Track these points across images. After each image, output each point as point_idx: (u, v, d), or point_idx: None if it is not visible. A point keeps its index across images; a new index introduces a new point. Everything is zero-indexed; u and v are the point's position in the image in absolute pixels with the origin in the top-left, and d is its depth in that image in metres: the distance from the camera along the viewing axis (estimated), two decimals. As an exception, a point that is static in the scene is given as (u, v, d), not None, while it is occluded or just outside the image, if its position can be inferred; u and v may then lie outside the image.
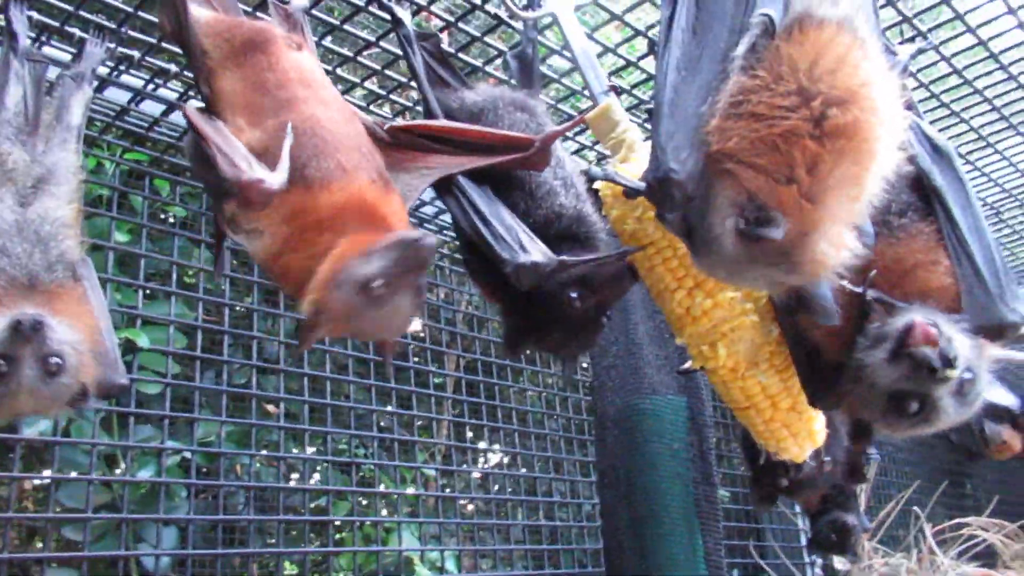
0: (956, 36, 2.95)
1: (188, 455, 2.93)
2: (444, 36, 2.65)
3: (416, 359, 3.68)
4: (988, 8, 2.77)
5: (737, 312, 1.84)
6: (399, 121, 1.96)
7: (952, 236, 1.65)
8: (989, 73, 3.06)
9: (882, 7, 2.58)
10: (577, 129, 2.87)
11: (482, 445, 4.52)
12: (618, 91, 1.95)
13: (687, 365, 2.08)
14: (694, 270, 1.81)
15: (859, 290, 1.57)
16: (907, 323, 1.53)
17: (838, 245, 1.37)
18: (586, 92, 2.24)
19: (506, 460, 4.29)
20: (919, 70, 3.05)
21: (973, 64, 3.02)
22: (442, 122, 1.98)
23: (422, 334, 4.11)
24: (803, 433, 1.97)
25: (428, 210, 3.65)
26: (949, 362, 1.46)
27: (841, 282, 1.51)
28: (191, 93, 2.64)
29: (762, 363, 1.88)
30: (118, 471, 2.99)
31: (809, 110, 1.33)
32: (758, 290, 1.81)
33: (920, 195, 1.71)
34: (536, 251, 1.76)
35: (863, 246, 1.46)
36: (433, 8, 2.45)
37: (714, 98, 1.42)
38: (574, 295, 1.78)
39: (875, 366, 1.56)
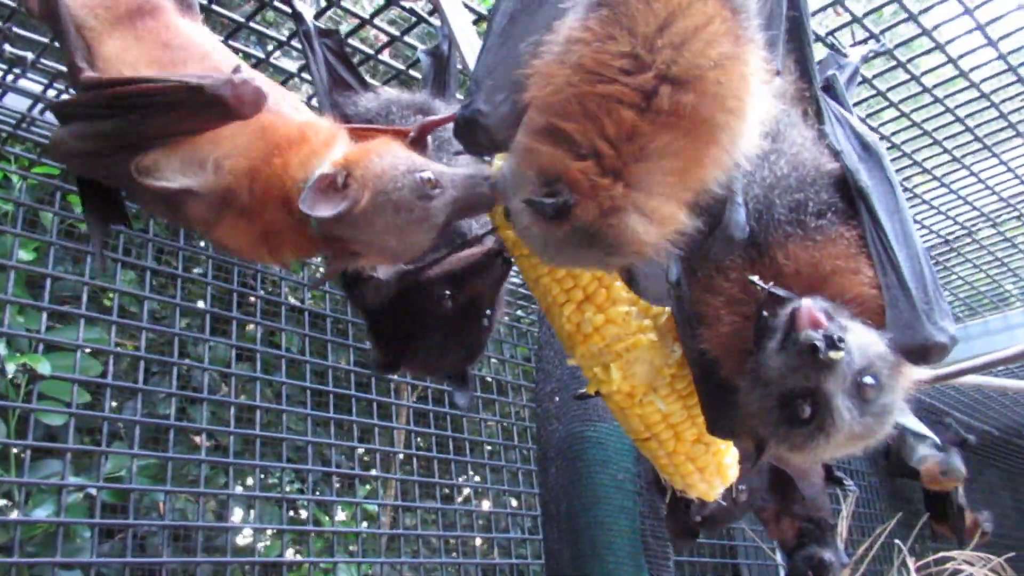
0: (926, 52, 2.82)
1: (92, 492, 2.70)
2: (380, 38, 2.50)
3: (362, 389, 3.48)
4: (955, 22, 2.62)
5: (633, 329, 1.63)
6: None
7: (877, 243, 1.43)
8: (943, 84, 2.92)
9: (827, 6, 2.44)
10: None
11: (435, 480, 4.28)
12: None
13: (583, 390, 1.88)
14: (583, 281, 1.62)
15: (765, 286, 1.36)
16: (794, 307, 1.32)
17: (661, 221, 1.19)
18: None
19: (466, 493, 4.07)
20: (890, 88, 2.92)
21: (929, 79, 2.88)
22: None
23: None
24: (711, 468, 1.74)
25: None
26: (833, 343, 1.24)
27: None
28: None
29: (662, 388, 1.66)
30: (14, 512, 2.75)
31: (638, 81, 1.16)
32: (592, 270, 1.60)
33: (843, 196, 1.49)
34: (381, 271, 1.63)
35: (734, 236, 1.29)
36: (348, 6, 2.29)
37: (543, 39, 1.24)
38: (445, 293, 1.60)
39: (763, 362, 1.34)
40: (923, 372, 1.47)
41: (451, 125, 1.40)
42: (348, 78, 2.06)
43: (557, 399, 2.78)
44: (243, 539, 3.51)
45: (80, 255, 3.01)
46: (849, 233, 1.45)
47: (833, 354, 1.24)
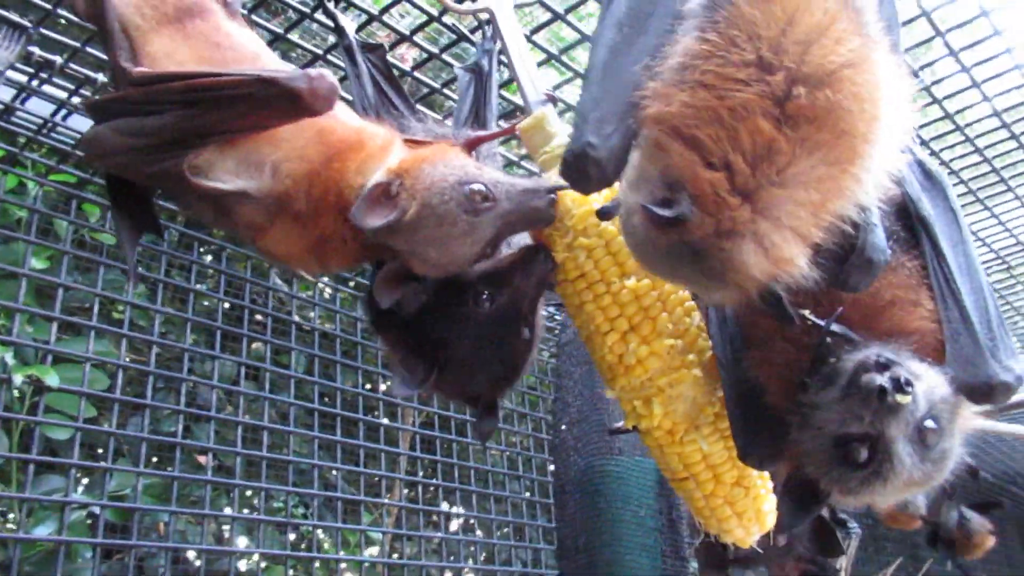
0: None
1: (96, 510, 2.61)
2: (408, 56, 2.46)
3: (370, 412, 3.41)
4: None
5: (677, 364, 1.56)
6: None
7: (939, 274, 1.39)
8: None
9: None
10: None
11: (439, 507, 4.19)
12: (555, 100, 1.72)
13: (620, 424, 1.81)
14: (629, 310, 1.55)
15: (821, 323, 1.32)
16: (865, 355, 1.27)
17: (777, 259, 1.11)
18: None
19: (464, 524, 3.97)
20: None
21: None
22: None
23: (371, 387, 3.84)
24: (749, 513, 1.65)
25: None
26: (900, 386, 1.19)
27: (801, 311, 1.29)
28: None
29: (704, 427, 1.58)
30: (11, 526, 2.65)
31: (769, 85, 1.09)
32: (688, 291, 1.54)
33: (905, 225, 1.45)
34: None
35: (874, 259, 1.22)
36: (389, 22, 2.25)
37: (656, 62, 1.18)
38: (483, 293, 1.51)
39: (824, 407, 1.29)
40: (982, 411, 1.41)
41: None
42: (395, 98, 2.01)
43: (576, 431, 2.73)
44: (243, 564, 3.41)
45: (91, 265, 2.93)
46: (911, 263, 1.41)
47: (900, 397, 1.20)
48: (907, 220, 1.44)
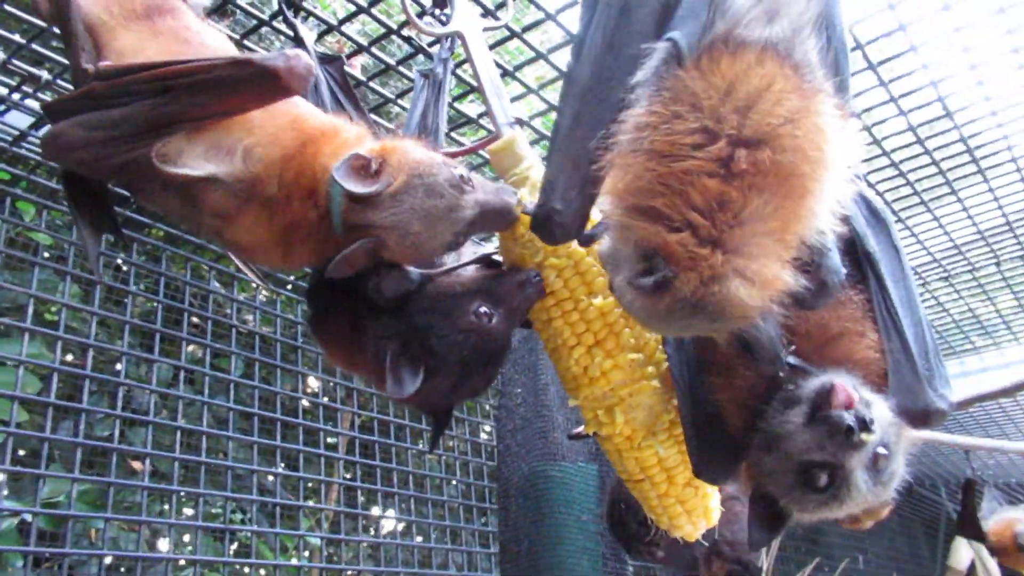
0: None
1: (28, 517, 2.53)
2: (356, 63, 2.47)
3: (307, 416, 3.39)
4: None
5: (637, 376, 1.66)
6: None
7: (883, 307, 1.51)
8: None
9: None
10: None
11: (375, 511, 4.19)
12: (522, 123, 1.78)
13: (579, 429, 1.89)
14: (595, 326, 1.63)
15: (779, 353, 1.41)
16: (823, 384, 1.37)
17: (764, 283, 1.20)
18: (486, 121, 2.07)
19: (400, 528, 3.98)
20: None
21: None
22: None
23: (315, 388, 3.82)
24: (698, 510, 1.79)
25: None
26: (865, 425, 1.30)
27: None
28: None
29: (660, 433, 1.70)
30: (-61, 535, 2.55)
31: (711, 152, 1.18)
32: (703, 335, 1.63)
33: (852, 260, 1.56)
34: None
35: (830, 281, 1.30)
36: (347, 31, 2.26)
37: (611, 132, 1.27)
38: (483, 308, 1.54)
39: (789, 432, 1.38)
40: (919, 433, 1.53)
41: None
42: (350, 109, 2.02)
43: (520, 436, 2.78)
44: (175, 571, 3.34)
45: (24, 265, 2.84)
46: (857, 297, 1.51)
47: (865, 436, 1.31)
48: (854, 255, 1.54)
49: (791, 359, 1.44)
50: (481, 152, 1.95)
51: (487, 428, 4.05)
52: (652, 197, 1.19)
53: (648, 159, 1.20)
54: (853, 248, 1.56)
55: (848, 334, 1.50)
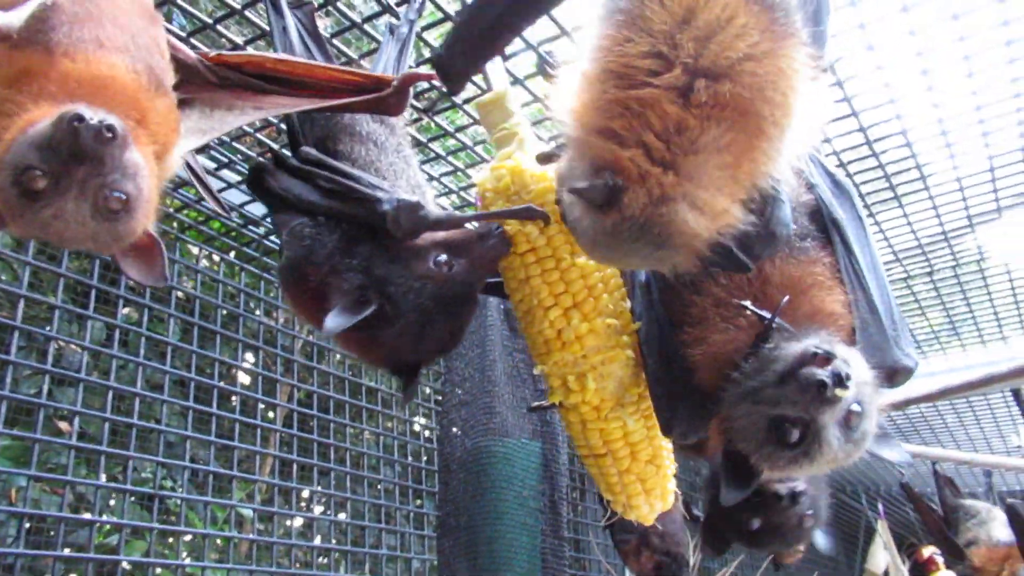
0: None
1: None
2: (320, 20, 2.42)
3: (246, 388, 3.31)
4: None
5: (612, 344, 1.65)
6: (225, 53, 1.69)
7: (850, 269, 1.55)
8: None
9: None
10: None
11: (309, 488, 4.12)
12: (517, 80, 1.77)
13: (541, 402, 1.87)
14: (575, 287, 1.63)
15: (764, 314, 1.43)
16: (804, 347, 1.39)
17: (713, 215, 1.21)
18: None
19: (334, 506, 3.92)
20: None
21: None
22: (279, 56, 1.72)
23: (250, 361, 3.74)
24: (656, 491, 1.78)
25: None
26: (840, 380, 1.32)
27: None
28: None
29: (629, 405, 1.69)
30: None
31: (669, 78, 1.19)
32: (649, 268, 1.62)
33: (818, 226, 1.60)
34: (423, 198, 1.56)
35: (778, 232, 1.32)
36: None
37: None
38: (441, 257, 1.53)
39: (763, 387, 1.40)
40: (890, 396, 1.57)
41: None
42: (319, 58, 1.98)
43: (464, 412, 2.77)
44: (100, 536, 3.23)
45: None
46: (826, 259, 1.55)
47: (840, 391, 1.32)
48: (820, 222, 1.58)
49: (781, 323, 1.45)
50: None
51: (425, 409, 4.03)
52: (610, 118, 1.20)
53: (604, 80, 1.22)
54: (819, 215, 1.60)
55: (819, 287, 1.53)
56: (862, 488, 7.39)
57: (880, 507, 6.50)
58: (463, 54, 1.47)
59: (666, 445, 1.76)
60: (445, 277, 1.54)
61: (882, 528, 6.34)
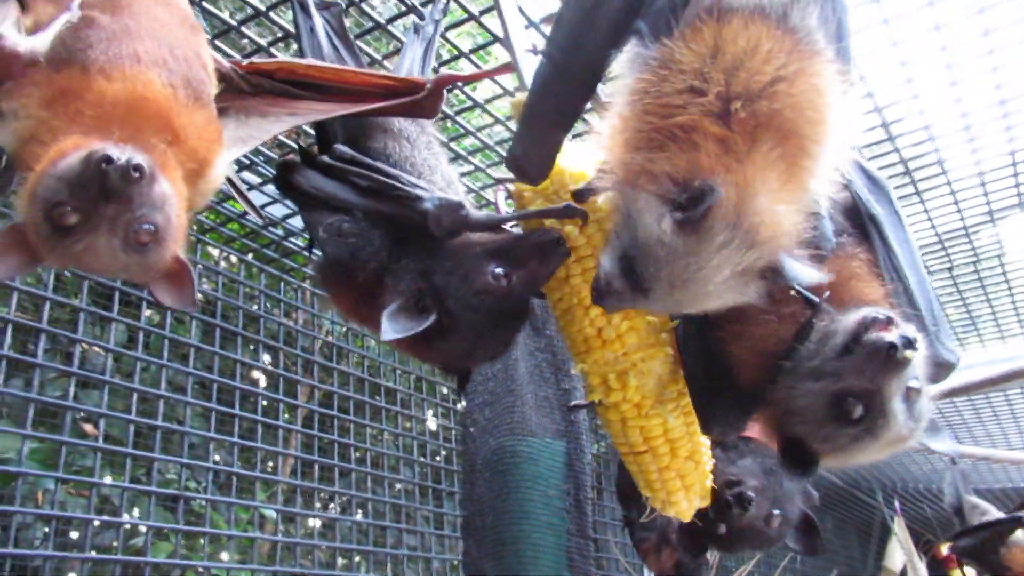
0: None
1: (-25, 473, 2.43)
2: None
3: (267, 388, 3.32)
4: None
5: (652, 341, 1.64)
6: (257, 61, 1.70)
7: (889, 265, 1.54)
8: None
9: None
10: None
11: (329, 488, 4.13)
12: (538, 51, 1.76)
13: (578, 401, 1.86)
14: None
15: (814, 298, 1.41)
16: (865, 315, 1.36)
17: (783, 218, 1.22)
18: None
19: (353, 506, 3.93)
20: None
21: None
22: (310, 62, 1.73)
23: (271, 361, 3.74)
24: (696, 487, 1.76)
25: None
26: (910, 343, 1.28)
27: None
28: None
29: (669, 402, 1.67)
30: None
31: (707, 103, 1.22)
32: (733, 293, 1.59)
33: (854, 223, 1.59)
34: (457, 194, 1.55)
35: (822, 248, 1.32)
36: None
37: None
38: (499, 270, 1.50)
39: (824, 363, 1.37)
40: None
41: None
42: (348, 58, 1.97)
43: (488, 412, 2.77)
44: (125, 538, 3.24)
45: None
46: (864, 255, 1.54)
47: (909, 353, 1.28)
48: (856, 219, 1.56)
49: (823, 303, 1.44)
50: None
51: (443, 409, 4.03)
52: (659, 145, 1.23)
53: (644, 115, 1.25)
54: (855, 212, 1.59)
55: (857, 279, 1.52)
56: (878, 485, 7.36)
57: (896, 504, 6.48)
58: (534, 149, 1.48)
59: (704, 441, 1.75)
60: (504, 292, 1.52)
61: (898, 525, 6.32)
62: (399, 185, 1.58)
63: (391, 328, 1.45)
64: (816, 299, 1.41)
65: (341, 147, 1.71)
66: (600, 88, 1.46)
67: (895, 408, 1.33)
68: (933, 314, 1.54)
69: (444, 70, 2.15)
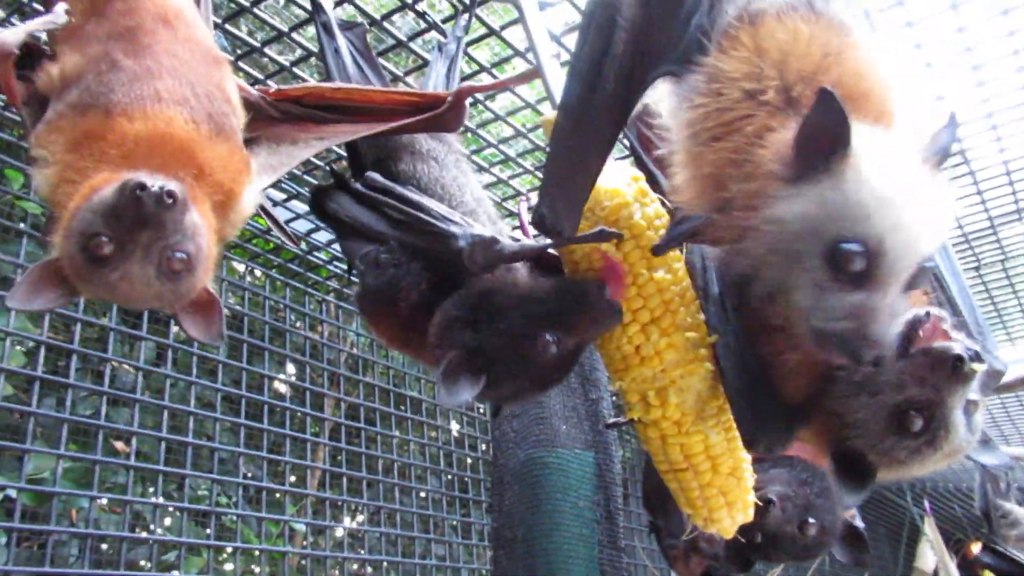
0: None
1: (12, 493, 2.45)
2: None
3: (292, 401, 3.33)
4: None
5: (690, 357, 1.61)
6: (285, 88, 1.72)
7: (930, 274, 1.52)
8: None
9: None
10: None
11: (357, 500, 4.14)
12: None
13: (617, 418, 1.85)
14: (652, 302, 1.60)
15: None
16: (912, 315, 1.33)
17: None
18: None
19: (381, 517, 3.94)
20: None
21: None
22: (337, 85, 1.75)
23: (296, 375, 3.76)
24: (739, 503, 1.72)
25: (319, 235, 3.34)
26: (977, 355, 1.26)
27: None
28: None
29: (710, 419, 1.64)
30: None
31: (772, 101, 1.18)
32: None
33: None
34: (492, 230, 1.55)
35: None
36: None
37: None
38: (550, 338, 1.49)
39: (883, 372, 1.33)
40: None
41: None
42: (373, 78, 1.98)
43: (516, 424, 2.76)
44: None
45: (8, 236, 2.76)
46: None
47: (976, 366, 1.26)
48: None
49: None
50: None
51: (468, 418, 4.04)
52: (741, 166, 1.18)
53: (712, 141, 1.20)
54: None
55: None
56: (907, 485, 7.29)
57: (926, 504, 6.40)
58: (560, 204, 1.45)
59: (746, 456, 1.73)
60: (551, 360, 1.53)
61: (929, 526, 6.24)
62: (431, 221, 1.59)
63: (449, 393, 1.46)
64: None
65: (373, 175, 1.72)
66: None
67: (957, 420, 1.31)
68: (977, 322, 1.52)
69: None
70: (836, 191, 1.07)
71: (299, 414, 3.41)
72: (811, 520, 2.21)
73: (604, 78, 1.33)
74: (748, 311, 1.55)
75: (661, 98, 1.34)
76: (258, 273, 3.57)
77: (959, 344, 1.29)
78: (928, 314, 1.33)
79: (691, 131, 1.25)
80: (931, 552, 6.49)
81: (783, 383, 1.50)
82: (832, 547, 2.34)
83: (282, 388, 3.95)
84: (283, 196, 3.00)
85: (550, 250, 1.66)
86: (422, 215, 1.60)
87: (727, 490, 1.67)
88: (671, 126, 1.30)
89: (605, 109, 1.35)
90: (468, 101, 1.83)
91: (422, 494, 3.79)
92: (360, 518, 4.33)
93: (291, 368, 3.87)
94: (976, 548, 6.86)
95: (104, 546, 2.89)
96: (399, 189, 1.68)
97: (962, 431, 1.32)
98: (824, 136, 1.08)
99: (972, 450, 1.41)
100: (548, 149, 1.45)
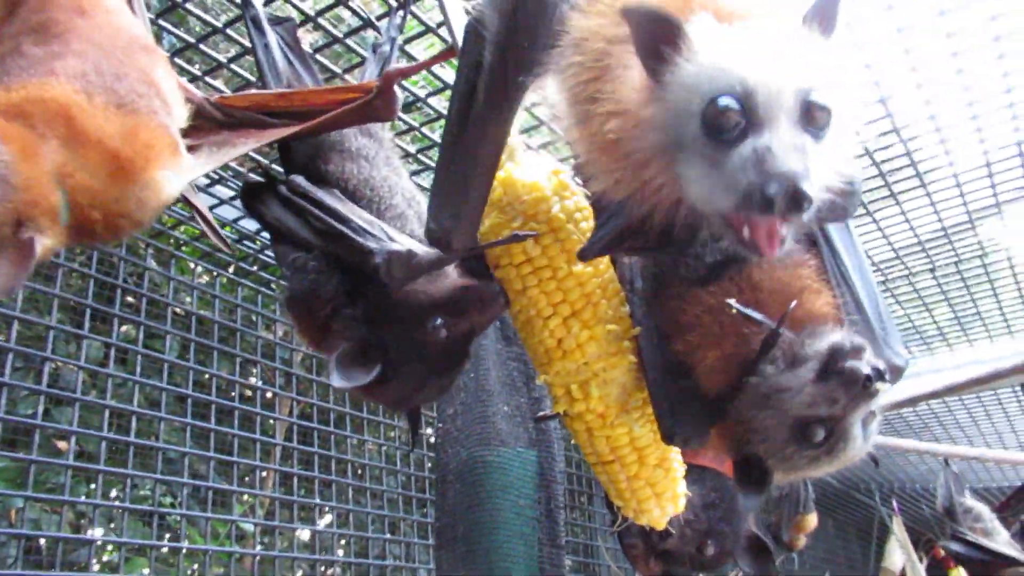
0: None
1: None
2: (304, 39, 2.43)
3: (245, 402, 3.31)
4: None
5: (613, 350, 1.63)
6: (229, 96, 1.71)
7: (836, 272, 1.54)
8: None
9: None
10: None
11: (312, 501, 4.12)
12: None
13: (546, 412, 1.87)
14: (573, 295, 1.61)
15: (770, 323, 1.41)
16: (833, 343, 1.39)
17: None
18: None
19: (337, 518, 3.92)
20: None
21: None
22: (280, 92, 1.76)
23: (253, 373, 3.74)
24: (668, 494, 1.75)
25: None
26: (880, 374, 1.32)
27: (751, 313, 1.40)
28: None
29: (634, 411, 1.67)
30: None
31: (622, 36, 1.12)
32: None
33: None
34: (408, 242, 1.55)
35: None
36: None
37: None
38: (438, 321, 1.54)
39: (795, 389, 1.38)
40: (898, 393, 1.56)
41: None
42: (304, 73, 1.98)
43: (459, 422, 2.75)
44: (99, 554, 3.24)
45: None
46: (812, 261, 1.54)
47: (880, 385, 1.31)
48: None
49: (760, 318, 1.43)
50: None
51: (427, 418, 4.02)
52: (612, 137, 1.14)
53: (593, 101, 1.16)
54: None
55: (808, 290, 1.51)
56: (875, 485, 7.34)
57: (894, 503, 6.45)
58: (447, 222, 1.44)
59: (675, 448, 1.75)
60: (443, 343, 1.57)
61: (897, 525, 6.29)
62: (349, 234, 1.59)
63: (340, 377, 1.50)
64: (771, 324, 1.40)
65: (296, 179, 1.73)
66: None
67: (856, 433, 1.37)
68: (881, 318, 1.54)
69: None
70: (688, 68, 1.03)
71: (251, 414, 3.38)
72: (709, 542, 2.35)
73: (477, 91, 1.32)
74: (658, 307, 1.57)
75: (549, 90, 1.33)
76: (212, 272, 3.55)
77: (866, 364, 1.33)
78: (853, 346, 1.37)
79: (570, 95, 1.23)
80: (899, 552, 6.53)
81: (700, 378, 1.52)
82: (738, 558, 2.44)
83: (247, 392, 3.93)
84: (207, 182, 2.94)
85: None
86: (340, 226, 1.60)
87: (654, 481, 1.69)
88: (556, 102, 1.29)
89: (482, 123, 1.34)
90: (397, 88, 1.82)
91: (382, 496, 3.77)
92: (328, 519, 4.31)
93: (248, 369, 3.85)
94: (947, 545, 6.90)
95: (43, 550, 2.85)
96: (321, 195, 1.68)
97: (859, 442, 1.38)
98: (656, 33, 1.04)
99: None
100: (436, 166, 1.47)
